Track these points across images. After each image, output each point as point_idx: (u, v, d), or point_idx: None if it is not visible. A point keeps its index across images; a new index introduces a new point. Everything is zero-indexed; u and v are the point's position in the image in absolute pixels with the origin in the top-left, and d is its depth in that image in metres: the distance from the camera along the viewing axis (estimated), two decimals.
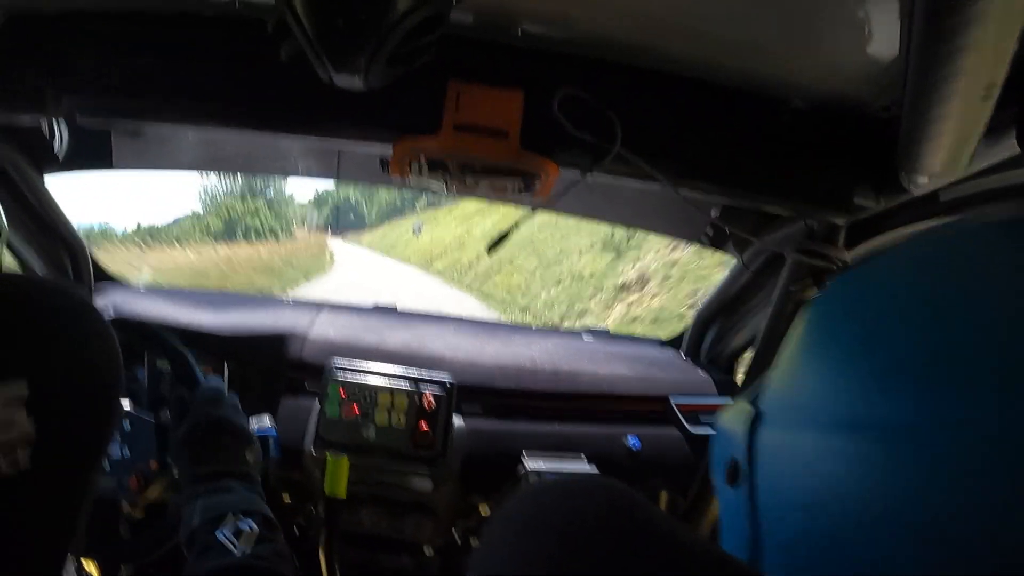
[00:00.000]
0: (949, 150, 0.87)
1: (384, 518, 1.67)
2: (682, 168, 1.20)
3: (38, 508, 0.56)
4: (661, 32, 1.07)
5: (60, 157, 1.60)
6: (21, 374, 0.53)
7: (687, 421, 1.82)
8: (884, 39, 0.92)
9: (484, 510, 1.72)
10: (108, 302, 1.89)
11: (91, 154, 1.70)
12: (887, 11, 0.85)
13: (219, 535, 1.04)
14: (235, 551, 1.02)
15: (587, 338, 2.16)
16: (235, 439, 1.30)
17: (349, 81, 0.98)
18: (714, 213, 1.52)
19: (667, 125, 1.20)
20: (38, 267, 1.82)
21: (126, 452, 1.44)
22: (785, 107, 1.19)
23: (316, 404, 1.66)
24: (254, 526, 1.06)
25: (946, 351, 0.38)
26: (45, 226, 1.77)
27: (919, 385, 0.39)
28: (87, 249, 1.93)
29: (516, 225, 1.27)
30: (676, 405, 1.83)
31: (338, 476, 1.45)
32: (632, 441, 1.75)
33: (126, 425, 1.44)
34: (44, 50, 1.18)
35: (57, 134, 1.57)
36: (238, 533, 1.05)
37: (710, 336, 2.02)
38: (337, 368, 1.66)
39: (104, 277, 2.11)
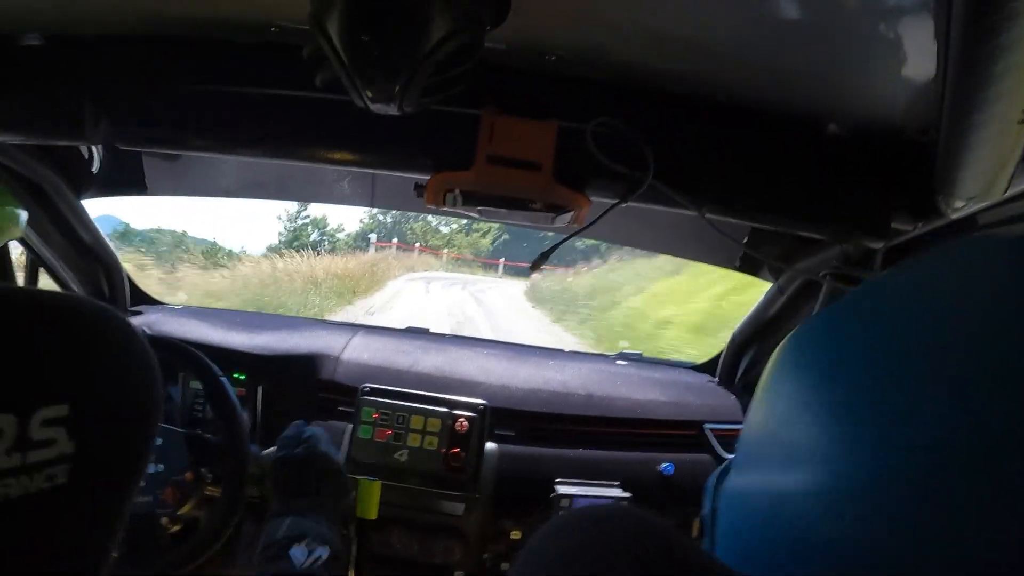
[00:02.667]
0: (986, 174, 0.86)
1: (415, 541, 1.66)
2: (715, 195, 1.19)
3: (75, 523, 0.57)
4: (695, 58, 1.06)
5: (97, 180, 1.64)
6: (62, 395, 0.53)
7: (722, 447, 1.80)
8: (920, 62, 0.90)
9: (515, 535, 1.71)
10: (144, 322, 1.92)
11: (126, 178, 1.73)
12: (922, 34, 0.84)
13: (293, 550, 1.13)
14: (299, 566, 1.11)
15: (620, 362, 2.15)
16: (332, 478, 1.34)
17: (384, 109, 0.98)
18: (746, 239, 1.51)
19: (701, 152, 1.20)
20: (75, 287, 1.85)
21: (159, 467, 1.46)
22: (820, 132, 1.18)
23: (349, 426, 1.67)
24: (324, 555, 1.14)
25: (905, 383, 0.38)
26: (82, 247, 1.80)
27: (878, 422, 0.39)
28: (123, 269, 1.96)
29: (557, 245, 1.27)
30: (710, 431, 1.81)
31: (370, 498, 1.45)
32: (666, 467, 1.74)
33: (158, 440, 1.46)
34: (82, 73, 1.20)
35: (95, 157, 1.61)
36: (308, 554, 1.13)
37: (745, 361, 2.00)
38: (370, 390, 1.67)
39: (141, 297, 2.15)
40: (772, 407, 0.51)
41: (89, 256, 1.84)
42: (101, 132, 1.22)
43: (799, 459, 0.43)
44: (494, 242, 35.58)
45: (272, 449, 1.55)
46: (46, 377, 0.53)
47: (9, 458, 0.49)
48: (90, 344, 0.58)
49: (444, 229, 36.69)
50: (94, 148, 1.60)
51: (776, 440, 0.47)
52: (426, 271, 26.47)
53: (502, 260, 30.86)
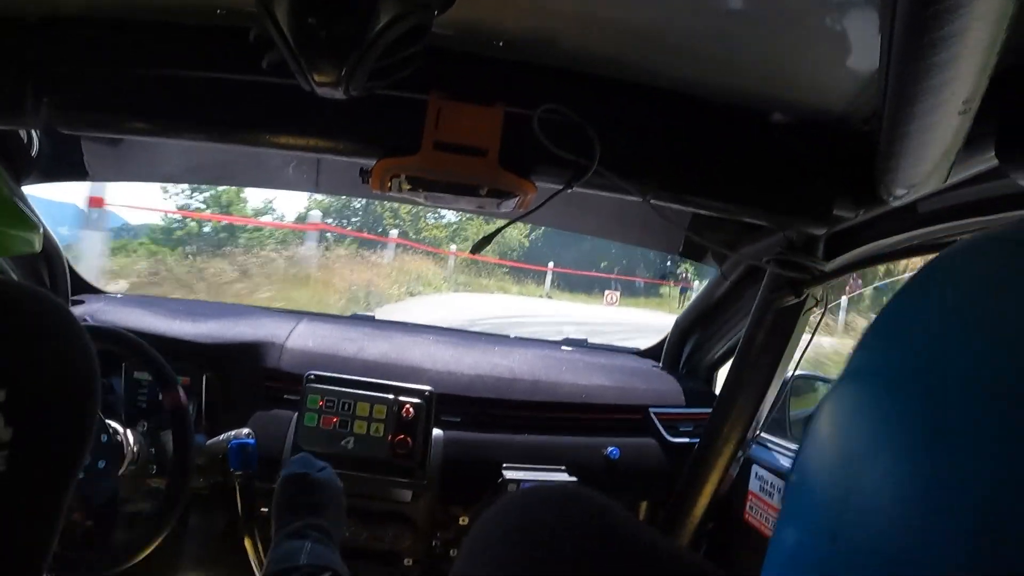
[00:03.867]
0: (928, 162, 0.88)
1: (363, 528, 1.65)
2: (661, 182, 1.20)
3: (14, 512, 0.56)
4: (642, 46, 1.07)
5: (37, 165, 1.58)
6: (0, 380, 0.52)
7: (666, 431, 1.83)
8: (864, 52, 0.92)
9: (463, 521, 1.72)
10: (85, 311, 1.87)
11: (66, 164, 1.68)
12: (867, 25, 0.85)
13: None
14: None
15: (566, 348, 2.17)
16: (320, 496, 1.29)
17: (330, 92, 0.97)
18: (690, 224, 1.53)
19: (646, 139, 1.20)
20: (14, 275, 1.79)
21: (100, 463, 1.42)
22: (765, 120, 1.20)
23: (294, 414, 1.65)
24: None
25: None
26: None
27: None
28: (64, 258, 1.91)
29: (500, 229, 1.27)
30: (655, 415, 1.84)
31: None
32: (611, 451, 1.76)
33: (105, 438, 1.42)
34: (23, 56, 1.16)
35: (35, 141, 1.56)
36: None
37: (688, 347, 2.03)
38: (315, 377, 1.66)
39: (82, 286, 2.09)
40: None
41: None
42: (42, 116, 1.18)
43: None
44: (529, 234, 23.84)
45: (219, 438, 1.53)
46: None
47: None
48: (27, 330, 0.58)
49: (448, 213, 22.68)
50: (34, 132, 1.55)
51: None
52: (423, 291, 15.16)
53: (550, 265, 20.14)
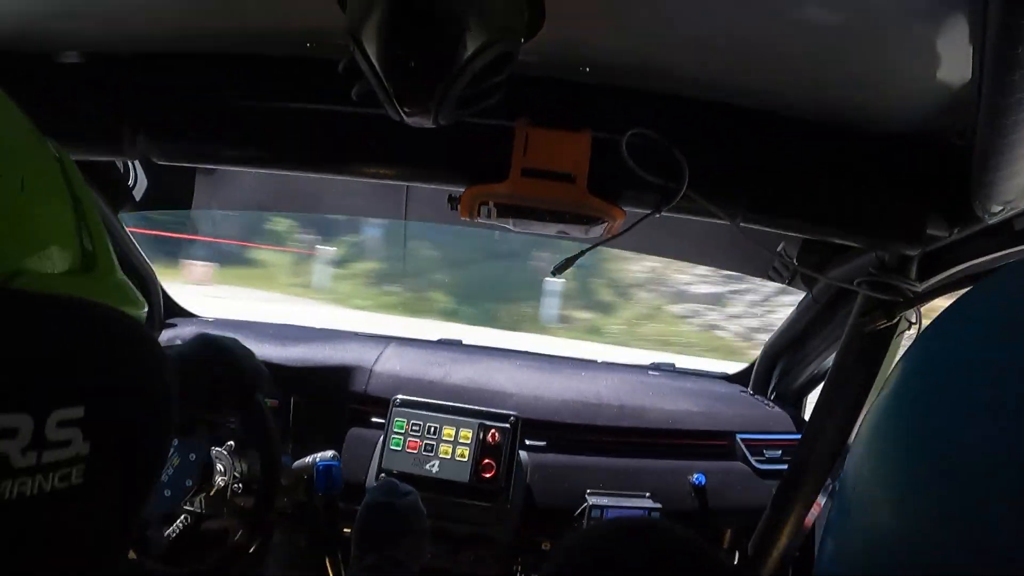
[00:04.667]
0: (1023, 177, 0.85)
1: (444, 552, 1.66)
2: (750, 204, 1.18)
3: (88, 524, 0.58)
4: (728, 65, 1.06)
5: (136, 195, 1.66)
6: (78, 397, 0.54)
7: (753, 457, 1.79)
8: (956, 65, 0.89)
9: (545, 546, 1.71)
10: (178, 334, 1.94)
11: (176, 193, 1.76)
12: (958, 36, 0.83)
13: None
14: None
15: (653, 373, 2.14)
16: (400, 526, 1.32)
17: (419, 121, 0.98)
18: (781, 248, 1.50)
19: (735, 161, 1.19)
20: None
21: (188, 482, 1.47)
22: (855, 137, 1.16)
23: (380, 437, 1.67)
24: None
25: None
26: (118, 261, 1.81)
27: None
28: (158, 283, 1.99)
29: (584, 252, 1.27)
30: (742, 441, 1.80)
31: None
32: (697, 478, 1.73)
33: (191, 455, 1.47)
34: (120, 90, 1.22)
35: (132, 172, 1.63)
36: None
37: (777, 371, 1.98)
38: (402, 401, 1.68)
39: (175, 310, 2.18)
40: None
41: (126, 269, 1.85)
42: (139, 147, 1.24)
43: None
44: None
45: (305, 459, 1.56)
46: (63, 379, 0.54)
47: (25, 457, 0.50)
48: (107, 349, 0.59)
49: None
50: (131, 163, 1.63)
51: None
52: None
53: None
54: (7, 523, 0.50)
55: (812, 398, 1.96)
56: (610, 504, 1.65)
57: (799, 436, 1.69)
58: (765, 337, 2.03)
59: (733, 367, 2.25)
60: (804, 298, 1.76)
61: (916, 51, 0.90)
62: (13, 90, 0.62)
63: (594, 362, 2.24)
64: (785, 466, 1.72)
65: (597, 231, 1.23)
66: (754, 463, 1.78)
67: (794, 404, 2.00)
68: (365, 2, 0.84)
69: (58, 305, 0.58)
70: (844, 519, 0.48)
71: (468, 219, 1.22)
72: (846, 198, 1.18)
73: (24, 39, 1.18)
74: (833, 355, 1.55)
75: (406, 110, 0.95)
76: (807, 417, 1.79)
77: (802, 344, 1.86)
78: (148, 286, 1.96)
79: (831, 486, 1.63)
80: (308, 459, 1.58)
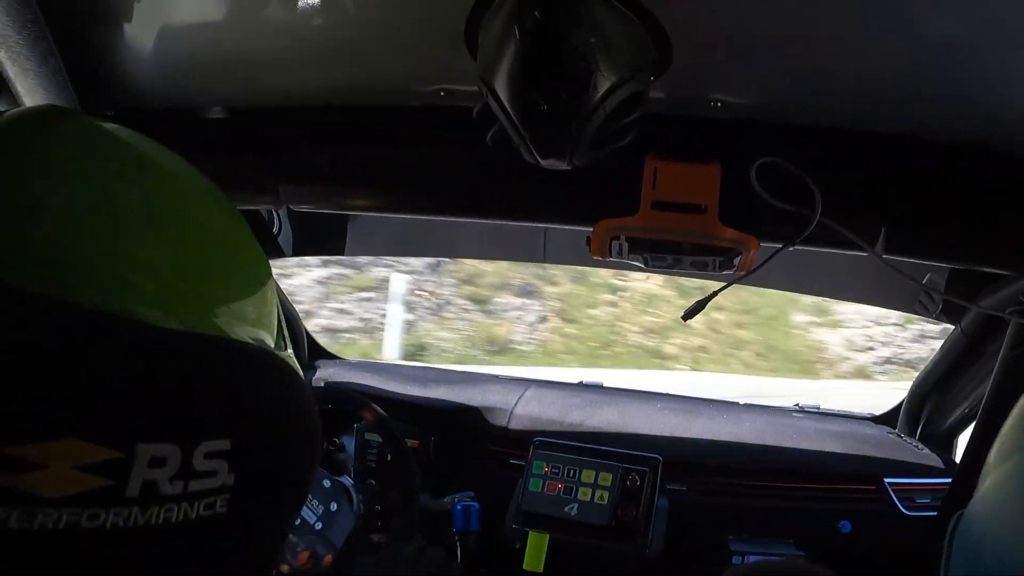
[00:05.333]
0: None
1: None
2: (892, 233, 1.15)
3: (231, 552, 0.60)
4: (861, 91, 1.04)
5: (281, 242, 1.76)
6: (225, 430, 0.57)
7: (902, 504, 1.71)
8: None
9: None
10: (322, 375, 2.03)
11: (330, 240, 1.85)
12: None
13: None
14: None
15: (796, 415, 2.09)
16: None
17: (554, 164, 1.00)
18: (927, 279, 1.45)
19: (873, 188, 1.16)
20: None
21: (319, 524, 1.52)
22: (999, 158, 1.11)
23: (519, 479, 1.69)
24: None
25: None
26: None
27: None
28: (303, 325, 2.10)
29: (715, 293, 1.26)
30: (890, 486, 1.73)
31: (537, 551, 1.47)
32: (843, 525, 1.67)
33: (332, 504, 1.52)
34: (262, 142, 1.30)
35: (276, 220, 1.73)
36: None
37: (926, 411, 1.90)
38: (542, 443, 1.70)
39: (318, 352, 2.28)
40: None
41: None
42: (281, 196, 1.32)
43: None
44: None
45: (444, 499, 1.59)
46: (211, 413, 0.57)
47: (172, 485, 0.53)
48: (253, 386, 0.62)
49: None
50: (275, 212, 1.73)
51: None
52: None
53: None
54: (153, 548, 0.54)
55: (964, 438, 1.86)
56: (752, 550, 1.61)
57: (950, 480, 1.61)
58: None
59: (880, 407, 2.17)
60: (952, 332, 1.69)
61: None
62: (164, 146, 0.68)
63: (736, 404, 2.20)
64: (935, 512, 1.64)
65: (731, 265, 1.22)
66: (903, 510, 1.70)
67: (944, 446, 1.90)
68: (495, 48, 0.87)
69: (208, 342, 0.63)
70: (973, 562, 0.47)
71: (600, 258, 1.22)
72: (993, 223, 1.14)
73: (171, 97, 1.26)
74: (985, 391, 1.48)
75: (540, 153, 0.97)
76: (958, 459, 1.71)
77: (952, 381, 1.78)
78: (293, 328, 2.06)
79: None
80: (447, 499, 1.62)
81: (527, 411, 1.90)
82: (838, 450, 1.81)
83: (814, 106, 1.11)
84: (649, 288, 11.10)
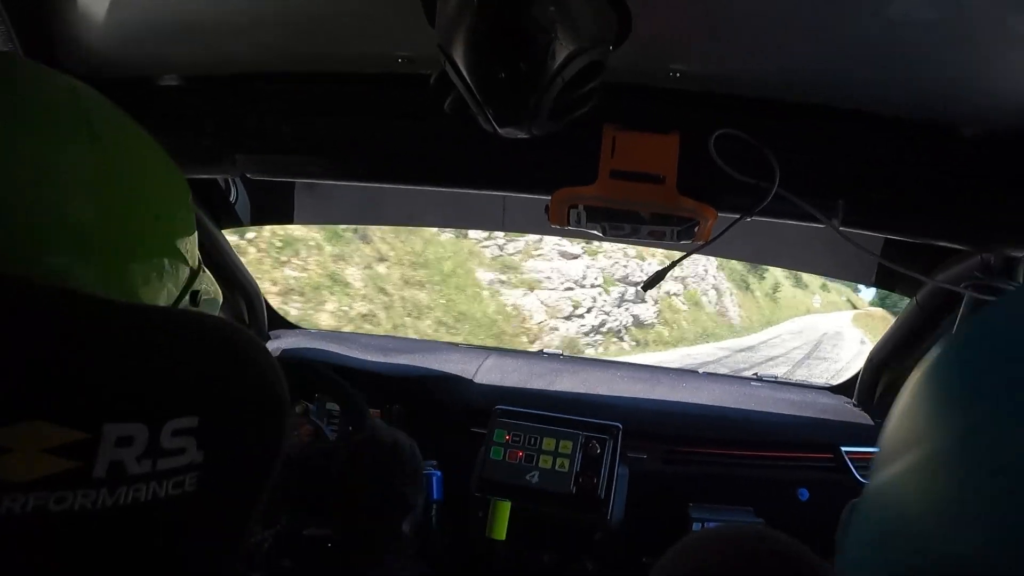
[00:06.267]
0: None
1: (544, 564, 1.67)
2: (846, 206, 1.17)
3: (201, 530, 0.61)
4: (822, 66, 1.05)
5: (237, 211, 1.75)
6: (192, 407, 0.57)
7: (859, 472, 1.74)
8: None
9: (646, 559, 1.70)
10: (281, 345, 2.03)
11: (276, 208, 1.84)
12: None
13: None
14: None
15: (755, 384, 2.12)
16: None
17: (512, 133, 1.00)
18: (879, 251, 1.46)
19: (828, 161, 1.17)
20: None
21: None
22: (955, 136, 1.14)
23: (481, 448, 1.70)
24: None
25: None
26: (223, 274, 1.89)
27: None
28: (262, 295, 2.09)
29: (677, 261, 1.27)
30: (848, 455, 1.76)
31: (499, 519, 1.48)
32: (800, 493, 1.69)
33: None
34: (218, 110, 1.30)
35: (232, 189, 1.72)
36: None
37: (882, 382, 1.92)
38: (503, 412, 1.71)
39: (278, 322, 2.28)
40: (908, 428, 0.47)
41: (229, 283, 1.95)
42: (238, 165, 1.31)
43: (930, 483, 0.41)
44: None
45: None
46: (177, 390, 0.57)
47: (140, 464, 0.53)
48: (219, 361, 0.62)
49: None
50: (232, 180, 1.72)
51: (907, 462, 0.45)
52: None
53: None
54: (122, 528, 0.54)
55: None
56: (712, 518, 1.64)
57: None
58: None
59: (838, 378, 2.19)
60: (908, 305, 1.72)
61: (1016, 44, 0.88)
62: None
63: (695, 372, 2.23)
64: None
65: (690, 235, 1.23)
66: (860, 478, 1.74)
67: None
68: (454, 16, 0.87)
69: (172, 318, 0.63)
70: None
71: (559, 226, 1.23)
72: (949, 198, 1.16)
73: (126, 65, 1.25)
74: None
75: (498, 122, 0.97)
76: None
77: (907, 352, 1.81)
78: (253, 300, 2.06)
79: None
80: None
81: (488, 379, 1.92)
82: (796, 419, 1.85)
83: (774, 80, 1.12)
84: (292, 231, 8.86)
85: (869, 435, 1.81)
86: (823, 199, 1.16)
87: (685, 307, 19.78)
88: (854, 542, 0.49)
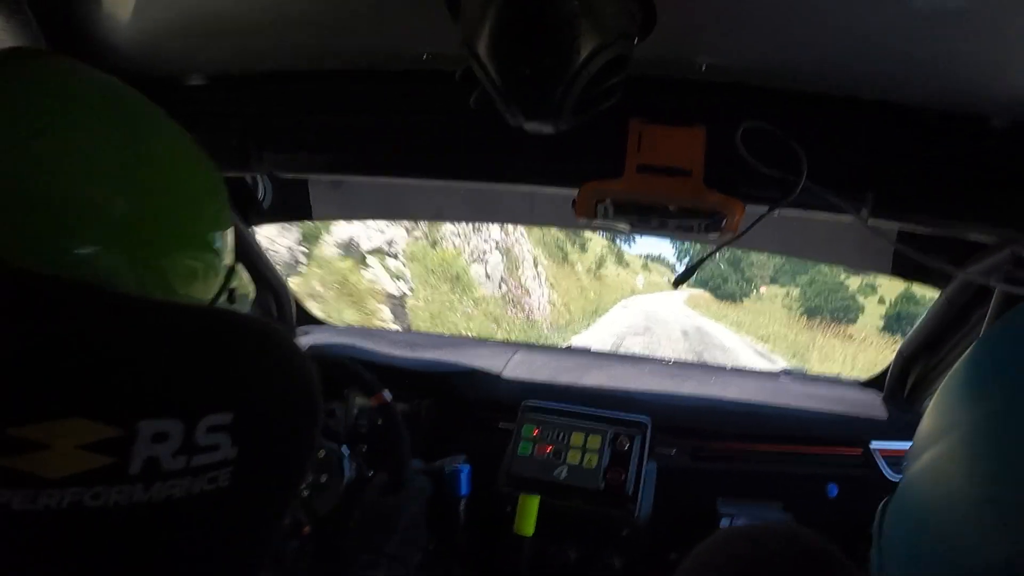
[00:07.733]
0: None
1: (572, 559, 1.67)
2: (877, 198, 1.16)
3: (235, 525, 0.62)
4: (849, 57, 1.04)
5: (264, 208, 1.77)
6: (227, 403, 0.58)
7: (889, 468, 1.73)
8: None
9: (674, 554, 1.69)
10: (309, 341, 2.04)
11: (294, 205, 1.86)
12: None
13: None
14: None
15: (784, 378, 2.11)
16: None
17: (538, 127, 1.01)
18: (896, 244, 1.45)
19: (856, 153, 1.17)
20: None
21: (323, 477, 1.53)
22: (983, 127, 1.13)
23: (509, 443, 1.70)
24: None
25: None
26: (253, 271, 1.89)
27: None
28: (291, 292, 2.11)
29: (703, 259, 1.26)
30: (877, 450, 1.74)
31: (527, 514, 1.48)
32: (830, 488, 1.68)
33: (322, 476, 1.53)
34: (245, 108, 1.31)
35: (260, 187, 1.74)
36: None
37: (913, 376, 1.91)
38: (531, 407, 1.71)
39: (307, 318, 2.30)
40: (949, 422, 0.47)
41: (259, 280, 1.97)
42: (265, 163, 1.32)
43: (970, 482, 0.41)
44: None
45: (434, 463, 1.60)
46: (212, 387, 0.58)
47: (175, 460, 0.54)
48: (254, 358, 0.63)
49: None
50: (259, 178, 1.74)
51: (947, 462, 0.45)
52: None
53: None
54: (157, 523, 0.55)
55: None
56: (740, 513, 1.63)
57: None
58: None
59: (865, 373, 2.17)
60: (937, 299, 1.70)
61: None
62: None
63: (723, 368, 2.22)
64: None
65: (717, 228, 1.22)
66: (889, 474, 1.72)
67: None
68: (478, 12, 0.87)
69: (208, 316, 0.64)
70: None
71: (586, 220, 1.23)
72: (977, 190, 1.15)
73: (152, 65, 1.27)
74: None
75: (524, 117, 0.98)
76: None
77: (938, 347, 1.79)
78: (280, 296, 2.08)
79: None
80: (438, 463, 1.63)
81: (516, 374, 1.92)
82: (826, 415, 1.84)
83: (801, 71, 1.12)
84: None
85: (899, 431, 1.80)
86: (851, 191, 1.15)
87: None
88: (888, 535, 0.49)
